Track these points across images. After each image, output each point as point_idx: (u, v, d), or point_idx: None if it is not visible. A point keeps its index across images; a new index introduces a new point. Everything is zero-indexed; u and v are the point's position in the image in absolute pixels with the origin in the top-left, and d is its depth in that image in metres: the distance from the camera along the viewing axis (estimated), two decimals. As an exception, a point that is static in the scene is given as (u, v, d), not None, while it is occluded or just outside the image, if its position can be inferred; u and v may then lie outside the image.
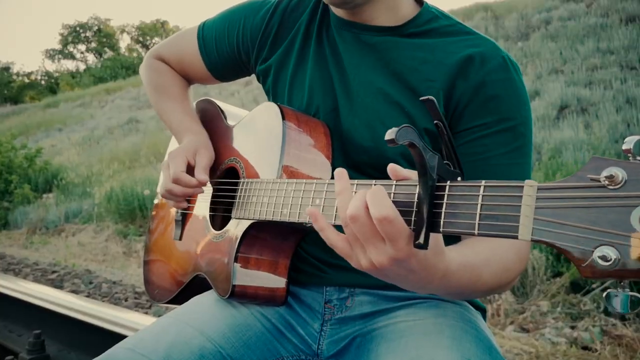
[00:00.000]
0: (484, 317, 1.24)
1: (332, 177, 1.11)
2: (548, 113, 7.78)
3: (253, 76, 1.39)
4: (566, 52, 9.98)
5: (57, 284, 5.27)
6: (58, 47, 50.85)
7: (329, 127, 1.17)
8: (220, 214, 1.30)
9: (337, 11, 1.21)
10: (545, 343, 3.16)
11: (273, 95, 1.29)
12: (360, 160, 1.16)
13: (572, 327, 3.36)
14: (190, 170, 1.25)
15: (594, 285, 3.65)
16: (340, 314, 1.19)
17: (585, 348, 3.12)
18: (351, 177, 1.14)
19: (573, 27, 10.85)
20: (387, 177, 0.80)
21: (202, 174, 1.24)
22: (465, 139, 1.09)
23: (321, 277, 1.20)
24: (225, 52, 1.35)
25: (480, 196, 0.68)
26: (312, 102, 1.20)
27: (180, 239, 1.39)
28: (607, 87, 8.18)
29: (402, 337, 1.05)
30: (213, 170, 1.32)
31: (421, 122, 1.11)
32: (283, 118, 1.13)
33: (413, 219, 0.75)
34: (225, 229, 1.21)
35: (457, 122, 1.10)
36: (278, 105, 1.16)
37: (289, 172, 1.10)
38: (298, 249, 1.19)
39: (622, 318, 3.30)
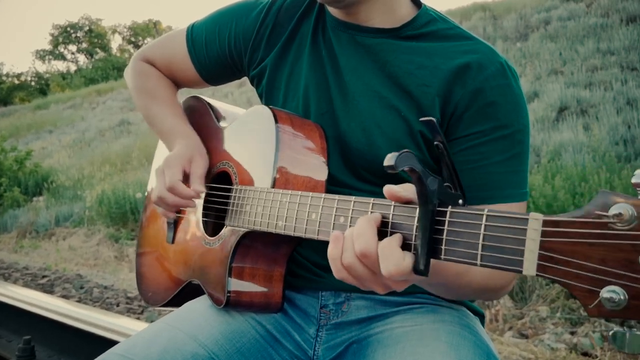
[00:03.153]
0: (483, 322, 1.23)
1: (328, 180, 1.11)
2: (547, 115, 7.76)
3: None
4: (566, 53, 9.96)
5: (48, 289, 5.24)
6: (48, 47, 50.46)
7: (324, 129, 1.15)
8: (213, 220, 1.28)
9: (333, 11, 1.19)
10: (545, 349, 3.15)
11: (268, 96, 1.27)
12: (356, 163, 1.14)
13: (572, 333, 3.35)
14: (185, 178, 1.23)
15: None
16: (336, 319, 1.18)
17: (585, 354, 3.10)
18: (347, 181, 1.16)
19: (573, 27, 10.82)
20: (383, 181, 0.80)
21: (198, 184, 1.22)
22: (462, 146, 1.07)
23: (317, 281, 1.19)
24: (216, 55, 1.32)
25: (483, 225, 0.67)
26: (308, 104, 1.19)
27: (173, 242, 1.37)
28: (608, 89, 8.15)
29: (398, 342, 1.04)
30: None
31: (417, 125, 1.10)
32: (276, 122, 1.10)
33: (413, 243, 0.74)
34: (218, 235, 1.19)
35: (454, 128, 1.08)
36: (270, 109, 1.13)
37: (284, 178, 1.07)
38: (294, 253, 1.17)
39: (623, 323, 3.29)
